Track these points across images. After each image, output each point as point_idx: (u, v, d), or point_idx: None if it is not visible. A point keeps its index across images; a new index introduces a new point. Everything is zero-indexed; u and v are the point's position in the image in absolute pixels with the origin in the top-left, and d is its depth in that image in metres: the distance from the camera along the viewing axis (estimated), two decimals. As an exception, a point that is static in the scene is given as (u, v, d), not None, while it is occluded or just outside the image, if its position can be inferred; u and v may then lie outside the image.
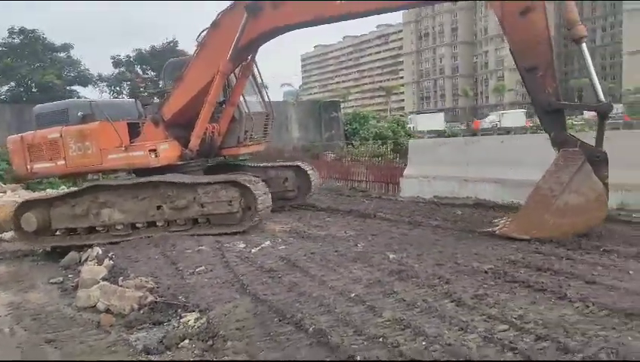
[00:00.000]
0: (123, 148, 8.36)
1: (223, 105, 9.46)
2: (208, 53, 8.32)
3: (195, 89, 8.42)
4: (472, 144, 12.98)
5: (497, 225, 7.00)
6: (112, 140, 8.39)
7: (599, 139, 6.31)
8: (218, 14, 8.30)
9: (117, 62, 33.67)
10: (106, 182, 8.96)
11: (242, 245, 6.87)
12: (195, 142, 8.48)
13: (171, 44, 33.00)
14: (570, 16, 6.16)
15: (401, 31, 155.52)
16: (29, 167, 9.01)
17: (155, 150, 8.30)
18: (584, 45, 6.22)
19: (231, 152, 9.76)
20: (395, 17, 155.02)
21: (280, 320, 4.12)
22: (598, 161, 6.04)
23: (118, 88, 33.12)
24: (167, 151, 8.45)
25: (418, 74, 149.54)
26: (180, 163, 8.64)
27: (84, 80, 33.48)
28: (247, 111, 9.48)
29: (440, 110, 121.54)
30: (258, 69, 10.00)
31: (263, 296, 4.71)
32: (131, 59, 33.50)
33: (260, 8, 7.76)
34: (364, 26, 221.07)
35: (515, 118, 53.22)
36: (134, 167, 8.70)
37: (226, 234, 7.61)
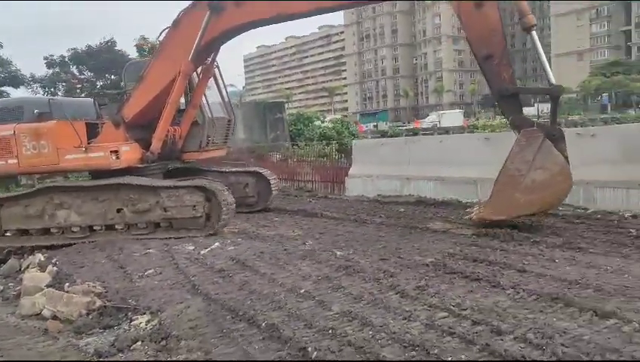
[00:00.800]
0: (83, 149, 8.09)
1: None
2: (169, 53, 8.19)
3: (156, 89, 8.26)
4: (412, 144, 13.46)
5: (472, 213, 7.24)
6: (70, 140, 8.11)
7: (553, 118, 6.81)
8: (179, 13, 8.14)
9: (51, 63, 32.14)
10: (64, 183, 8.66)
11: (191, 247, 6.89)
12: (156, 144, 8.28)
13: (109, 44, 31.82)
14: (521, 7, 6.52)
15: (342, 32, 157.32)
16: None
17: (116, 151, 8.07)
18: (534, 33, 6.55)
19: (192, 157, 9.62)
20: (337, 19, 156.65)
21: (233, 318, 4.23)
22: (555, 138, 6.38)
23: (52, 89, 31.61)
24: (129, 153, 8.21)
25: (360, 75, 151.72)
26: (140, 165, 8.42)
27: (16, 80, 31.83)
28: (210, 116, 9.36)
29: (383, 110, 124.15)
30: (220, 72, 9.90)
31: (214, 296, 4.79)
32: (66, 60, 32.05)
33: (223, 7, 7.68)
34: (307, 27, 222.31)
35: (454, 118, 55.14)
36: (93, 168, 8.44)
37: (181, 237, 7.55)
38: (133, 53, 33.07)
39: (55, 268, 6.38)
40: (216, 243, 6.92)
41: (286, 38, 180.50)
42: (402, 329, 3.65)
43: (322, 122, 36.38)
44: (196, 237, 7.52)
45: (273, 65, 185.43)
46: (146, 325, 4.54)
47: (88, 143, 8.21)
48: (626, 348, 3.12)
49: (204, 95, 9.51)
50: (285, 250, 6.40)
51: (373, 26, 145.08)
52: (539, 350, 3.17)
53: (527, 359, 3.04)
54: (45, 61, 32.43)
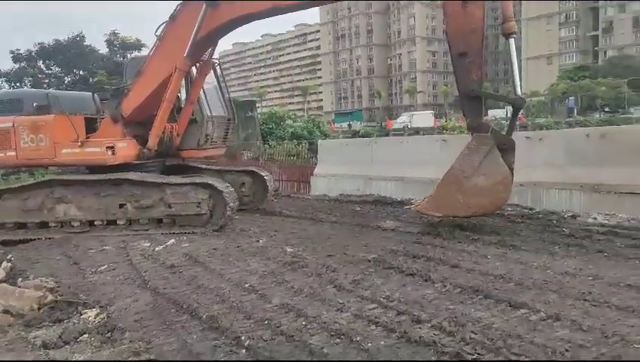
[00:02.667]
0: (79, 144, 8.09)
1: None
2: (166, 48, 8.17)
3: (154, 84, 8.24)
4: (375, 144, 13.81)
5: (416, 204, 7.50)
6: (67, 134, 8.12)
7: (510, 128, 6.99)
8: (176, 7, 8.15)
9: (17, 57, 31.63)
10: (65, 176, 8.61)
11: (147, 244, 7.05)
12: (153, 140, 8.26)
13: (77, 39, 31.52)
14: (506, 12, 6.62)
15: (318, 31, 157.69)
16: None
17: (112, 147, 8.08)
18: (512, 41, 6.72)
19: (190, 155, 9.60)
20: (313, 17, 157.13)
21: (177, 311, 4.44)
22: (505, 148, 6.57)
23: (18, 84, 31.15)
24: (126, 149, 8.22)
25: (336, 74, 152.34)
26: (137, 162, 8.43)
27: (-21, 74, 31.31)
28: (209, 114, 9.33)
29: (358, 110, 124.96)
30: (221, 69, 9.92)
31: (162, 290, 4.99)
32: (33, 54, 31.62)
33: (219, 1, 7.66)
34: (283, 25, 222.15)
35: (425, 119, 55.97)
36: (89, 164, 8.43)
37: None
38: (103, 49, 32.86)
39: (9, 264, 6.46)
40: (172, 240, 7.09)
41: (262, 36, 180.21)
42: (333, 319, 3.92)
43: (294, 121, 36.60)
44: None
45: (249, 63, 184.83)
46: (95, 318, 4.69)
47: (87, 138, 8.22)
48: (528, 335, 3.44)
49: (204, 92, 9.46)
50: (238, 246, 6.62)
51: (349, 25, 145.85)
52: (450, 336, 3.47)
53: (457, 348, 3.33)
54: (11, 55, 31.92)
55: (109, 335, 4.22)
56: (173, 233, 7.60)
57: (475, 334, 3.48)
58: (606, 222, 7.33)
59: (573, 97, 71.66)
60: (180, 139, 9.21)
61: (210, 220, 7.79)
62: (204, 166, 10.29)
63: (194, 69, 8.99)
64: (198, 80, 9.17)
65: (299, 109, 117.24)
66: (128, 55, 33.31)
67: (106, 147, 8.08)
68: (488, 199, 6.59)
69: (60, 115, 8.20)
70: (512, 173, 6.62)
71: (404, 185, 11.58)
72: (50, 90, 9.05)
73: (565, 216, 7.83)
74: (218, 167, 10.44)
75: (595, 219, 7.67)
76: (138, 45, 33.37)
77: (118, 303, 4.83)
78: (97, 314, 4.76)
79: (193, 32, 7.81)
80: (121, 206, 7.89)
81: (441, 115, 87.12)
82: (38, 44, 31.15)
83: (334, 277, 4.99)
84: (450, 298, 4.29)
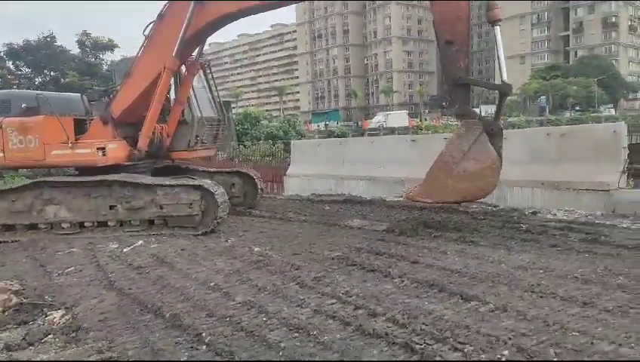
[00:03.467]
0: (69, 145, 8.04)
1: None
2: (155, 47, 8.13)
3: (143, 85, 8.20)
4: (346, 144, 14.02)
5: (408, 191, 7.52)
6: (57, 135, 8.07)
7: (497, 114, 7.03)
8: (164, 5, 8.10)
9: (-16, 58, 31.08)
10: (55, 178, 8.52)
11: (115, 245, 7.08)
12: (143, 141, 8.21)
13: (48, 39, 31.01)
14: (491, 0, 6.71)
15: (295, 31, 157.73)
16: None
17: (103, 148, 8.04)
18: (498, 28, 6.81)
19: (181, 156, 9.59)
20: (290, 17, 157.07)
21: (141, 310, 4.51)
22: (493, 133, 6.62)
23: (-14, 85, 30.57)
24: (116, 150, 8.18)
25: (312, 74, 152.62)
26: (127, 163, 8.39)
27: (-53, 75, 30.54)
28: (199, 115, 9.30)
29: (335, 110, 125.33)
30: (210, 70, 9.92)
31: (128, 291, 5.05)
32: (2, 55, 31.03)
33: None
34: (259, 25, 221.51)
35: (400, 118, 56.52)
36: (79, 165, 8.38)
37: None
38: (74, 49, 32.41)
39: (-26, 268, 6.43)
40: (140, 241, 7.13)
41: (238, 36, 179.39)
42: (292, 315, 4.05)
43: (269, 121, 36.64)
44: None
45: (225, 63, 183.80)
46: (60, 319, 4.72)
47: (76, 139, 8.16)
48: (475, 325, 3.62)
49: (194, 93, 9.44)
50: (206, 246, 6.71)
51: (325, 25, 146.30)
52: (403, 328, 3.63)
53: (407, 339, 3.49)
54: (-21, 56, 31.27)
55: (73, 335, 4.26)
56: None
57: (426, 325, 3.65)
58: (564, 218, 7.64)
59: (544, 96, 73.20)
60: (170, 140, 9.22)
61: (202, 221, 7.74)
62: (194, 167, 10.30)
63: (183, 69, 8.98)
64: (186, 80, 9.17)
65: (276, 109, 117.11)
66: (100, 55, 33.10)
67: (97, 148, 8.06)
68: (477, 184, 6.64)
69: (49, 116, 8.17)
70: (501, 158, 6.69)
71: (374, 185, 11.79)
72: (39, 91, 8.89)
73: (526, 212, 8.12)
74: (209, 169, 10.44)
75: (555, 215, 7.98)
76: (110, 46, 33.04)
77: (83, 304, 4.87)
78: (62, 316, 4.79)
79: (182, 31, 7.79)
80: (111, 207, 7.86)
81: (417, 115, 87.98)
82: (6, 44, 30.63)
83: (297, 274, 5.12)
84: (406, 292, 4.46)
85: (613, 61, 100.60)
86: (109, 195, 7.86)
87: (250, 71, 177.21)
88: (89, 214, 7.91)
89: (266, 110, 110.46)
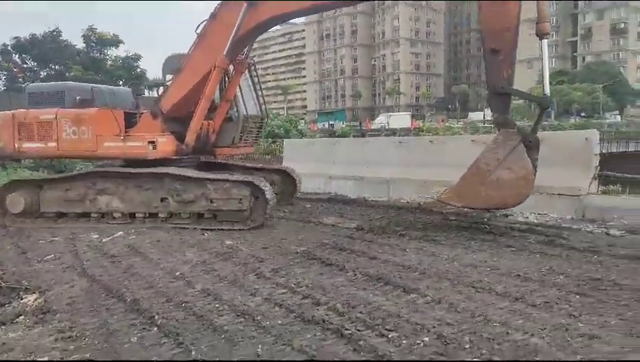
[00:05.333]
0: (121, 137, 8.33)
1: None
2: (206, 45, 8.33)
3: (193, 81, 8.41)
4: (338, 144, 14.30)
5: (441, 194, 7.48)
6: (109, 128, 8.35)
7: (536, 126, 7.06)
8: (217, 6, 8.31)
9: (-8, 51, 31.55)
10: (110, 169, 8.80)
11: (95, 236, 7.39)
12: (191, 136, 8.42)
13: (54, 34, 31.48)
14: (541, 12, 6.64)
15: (304, 30, 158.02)
16: (17, 145, 8.81)
17: (154, 142, 8.29)
18: (545, 42, 6.78)
19: (224, 152, 9.78)
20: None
21: (106, 295, 4.81)
22: (530, 144, 6.65)
23: (-7, 78, 31.10)
24: (165, 144, 8.40)
25: (320, 73, 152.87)
26: (174, 157, 8.60)
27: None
28: (245, 113, 9.52)
29: (341, 110, 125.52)
30: (256, 70, 10.17)
31: (98, 277, 5.35)
32: (9, 48, 31.51)
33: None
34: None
35: (402, 120, 56.75)
36: (130, 157, 8.63)
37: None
38: (79, 44, 32.87)
39: (-41, 253, 6.75)
40: (120, 232, 7.43)
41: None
42: (243, 302, 4.34)
43: (271, 120, 36.93)
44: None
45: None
46: (33, 302, 5.02)
47: (126, 132, 8.46)
48: (408, 315, 3.89)
49: (241, 91, 9.67)
50: (181, 239, 6.99)
51: (334, 25, 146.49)
52: (340, 316, 3.91)
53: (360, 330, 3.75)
54: (-14, 49, 31.79)
55: (42, 316, 4.55)
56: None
57: (362, 314, 3.92)
58: (534, 221, 7.85)
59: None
60: (215, 137, 9.45)
61: (250, 216, 7.82)
62: (236, 164, 10.47)
63: (231, 67, 9.16)
64: (234, 78, 9.38)
65: (282, 108, 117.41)
66: (105, 51, 33.57)
67: (148, 141, 8.32)
68: (510, 193, 6.66)
69: (103, 108, 8.49)
70: (535, 171, 6.72)
71: (362, 185, 12.03)
72: (93, 84, 9.11)
73: (498, 214, 8.33)
74: (248, 165, 10.61)
75: (527, 218, 8.18)
76: (115, 41, 33.51)
77: (56, 289, 5.17)
78: (36, 299, 5.10)
79: (233, 30, 7.99)
80: (162, 200, 8.07)
81: (422, 117, 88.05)
82: (14, 38, 31.12)
83: (259, 266, 5.41)
84: (355, 285, 4.73)
85: (621, 68, 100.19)
86: (161, 188, 8.07)
87: (259, 68, 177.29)
88: (140, 205, 8.17)
89: (273, 108, 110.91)
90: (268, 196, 7.67)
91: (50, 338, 3.96)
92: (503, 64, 6.70)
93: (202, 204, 7.90)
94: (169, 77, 9.22)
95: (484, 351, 3.24)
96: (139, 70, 33.05)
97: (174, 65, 9.18)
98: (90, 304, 4.63)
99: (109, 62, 32.95)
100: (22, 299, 5.20)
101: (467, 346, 3.31)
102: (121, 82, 30.26)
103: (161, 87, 9.45)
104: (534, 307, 4.00)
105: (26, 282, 5.53)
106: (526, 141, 6.66)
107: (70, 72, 28.80)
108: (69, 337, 3.94)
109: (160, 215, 8.10)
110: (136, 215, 8.22)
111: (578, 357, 3.12)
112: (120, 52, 33.98)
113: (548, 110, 6.95)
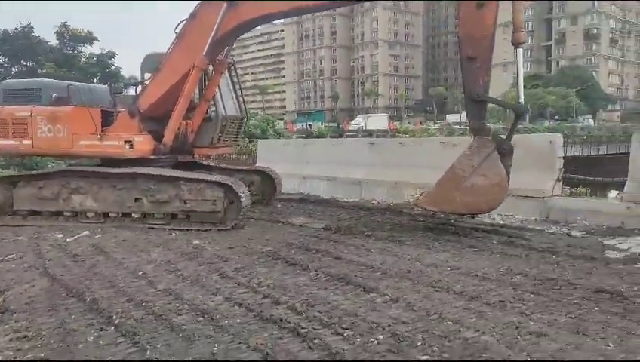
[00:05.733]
0: (97, 136, 8.19)
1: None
2: (185, 45, 8.24)
3: (171, 81, 8.33)
4: (310, 145, 14.37)
5: (416, 197, 7.74)
6: (85, 126, 8.20)
7: (510, 133, 7.11)
8: (197, 5, 8.23)
9: (-39, 47, 30.80)
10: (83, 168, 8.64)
11: (60, 235, 7.29)
12: (169, 136, 8.32)
13: (25, 30, 30.86)
14: (516, 21, 6.71)
15: (283, 30, 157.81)
16: None
17: (130, 142, 8.18)
18: (520, 50, 6.90)
19: (202, 152, 9.68)
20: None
21: (66, 295, 4.75)
22: (504, 151, 6.77)
23: (-38, 74, 30.27)
24: (142, 143, 8.30)
25: (299, 74, 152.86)
26: (152, 157, 8.49)
27: None
28: (223, 113, 9.42)
29: (319, 110, 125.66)
30: (236, 70, 10.09)
31: (59, 277, 5.28)
32: (-21, 43, 30.84)
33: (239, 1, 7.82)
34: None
35: (379, 121, 57.13)
36: (106, 156, 8.50)
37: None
38: (52, 40, 32.29)
39: None
40: (86, 232, 7.35)
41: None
42: (204, 301, 4.34)
43: (249, 120, 36.84)
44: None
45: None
46: (-8, 302, 4.96)
47: (102, 131, 8.33)
48: (365, 314, 3.95)
49: (220, 91, 9.56)
50: (147, 238, 6.95)
51: (313, 26, 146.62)
52: (298, 315, 3.95)
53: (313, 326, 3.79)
54: (-45, 45, 31.00)
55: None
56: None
57: (320, 313, 3.97)
58: (499, 222, 8.02)
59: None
60: (194, 136, 9.36)
61: (224, 217, 7.73)
62: (214, 164, 10.39)
63: (210, 67, 9.09)
64: (214, 78, 9.29)
65: (260, 108, 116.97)
66: (79, 48, 33.03)
67: (125, 141, 8.22)
68: (484, 199, 6.79)
69: (79, 106, 8.34)
70: (509, 177, 6.86)
71: (334, 185, 12.12)
72: (70, 82, 8.91)
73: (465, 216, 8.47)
74: (227, 166, 10.53)
75: (494, 219, 8.35)
76: (90, 38, 32.99)
77: (15, 289, 5.08)
78: (-5, 299, 5.03)
79: (213, 31, 7.93)
80: (136, 200, 7.97)
81: (397, 118, 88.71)
82: (-16, 33, 30.42)
83: (222, 266, 5.41)
84: (317, 284, 4.77)
85: (594, 72, 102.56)
86: (134, 187, 7.97)
87: (237, 68, 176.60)
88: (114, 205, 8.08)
89: (251, 108, 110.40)
90: (243, 199, 7.60)
91: (5, 338, 3.90)
92: (480, 71, 6.79)
93: (176, 205, 7.83)
94: (147, 75, 9.17)
95: (435, 349, 3.31)
96: (113, 67, 32.64)
97: (153, 64, 9.10)
98: (49, 303, 4.58)
99: (83, 60, 32.45)
100: (-20, 299, 5.13)
101: (419, 344, 3.38)
102: (95, 80, 29.81)
103: (139, 86, 9.38)
104: (489, 306, 4.10)
105: (-15, 282, 5.44)
106: (500, 148, 6.78)
107: (43, 69, 28.31)
108: (25, 337, 3.88)
109: (134, 215, 8.03)
110: (110, 214, 8.14)
111: (524, 354, 3.21)
112: (94, 49, 33.55)
113: (523, 117, 6.98)
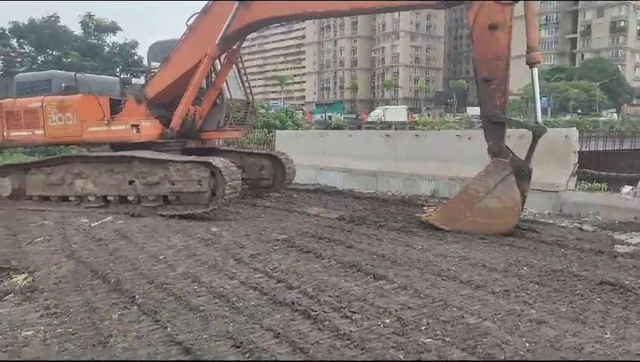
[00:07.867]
0: (105, 122, 8.54)
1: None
2: (196, 37, 8.51)
3: (180, 70, 8.61)
4: (326, 136, 14.51)
5: (425, 213, 7.67)
6: (94, 113, 8.57)
7: (529, 155, 6.87)
8: (210, 0, 8.48)
9: (-11, 35, 31.54)
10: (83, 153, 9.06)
11: (85, 220, 7.62)
12: (176, 121, 8.65)
13: (52, 19, 31.48)
14: (531, 41, 6.69)
15: (303, 20, 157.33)
16: (5, 134, 9.10)
17: (137, 125, 8.49)
18: (535, 70, 6.78)
19: (209, 136, 9.97)
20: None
21: (92, 276, 5.04)
22: (523, 174, 6.71)
23: (-11, 62, 31.11)
24: (149, 128, 8.63)
25: (319, 64, 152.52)
26: (159, 141, 8.79)
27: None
28: (229, 97, 9.70)
29: (339, 101, 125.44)
30: (240, 57, 10.28)
31: (85, 259, 5.58)
32: (6, 32, 31.49)
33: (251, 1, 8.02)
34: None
35: (398, 113, 56.88)
36: (114, 141, 8.83)
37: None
38: (77, 30, 32.87)
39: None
40: (109, 217, 7.66)
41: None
42: (220, 285, 4.57)
43: (267, 110, 37.05)
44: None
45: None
46: (22, 281, 5.26)
47: (112, 118, 8.67)
48: (373, 299, 4.13)
49: (226, 79, 9.83)
50: (167, 225, 7.22)
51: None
52: (310, 299, 4.15)
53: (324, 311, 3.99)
54: (-17, 33, 31.74)
55: (29, 295, 4.79)
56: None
57: (330, 298, 4.16)
58: (512, 214, 8.07)
59: (545, 98, 73.18)
60: (202, 122, 9.65)
61: (212, 199, 7.82)
62: (224, 148, 10.68)
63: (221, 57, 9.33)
64: (224, 67, 9.53)
65: (280, 98, 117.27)
66: (103, 37, 33.57)
67: (131, 125, 8.53)
68: (495, 221, 6.69)
69: (87, 94, 8.68)
70: (524, 200, 6.85)
71: (350, 176, 12.29)
72: (78, 72, 9.28)
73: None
74: (239, 150, 10.78)
75: (507, 212, 8.41)
76: (113, 28, 33.51)
77: (44, 269, 5.40)
78: (25, 278, 5.33)
79: (224, 27, 8.17)
80: (130, 183, 8.24)
81: (417, 111, 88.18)
82: (12, 22, 31.11)
83: (238, 252, 5.65)
84: (328, 271, 4.96)
85: (619, 66, 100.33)
86: (129, 170, 8.24)
87: (259, 58, 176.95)
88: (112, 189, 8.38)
89: (272, 98, 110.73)
90: (225, 176, 7.59)
91: (36, 314, 4.19)
92: (496, 93, 6.75)
93: (166, 187, 7.99)
94: (154, 64, 9.45)
95: (438, 332, 3.48)
96: (136, 57, 33.13)
97: (159, 51, 9.43)
98: (76, 284, 4.86)
99: (107, 49, 33.03)
100: (11, 279, 5.44)
101: (424, 328, 3.55)
102: (117, 69, 30.33)
103: (146, 74, 9.66)
104: (493, 294, 4.25)
105: (15, 263, 5.76)
106: (519, 170, 6.72)
107: (67, 58, 28.91)
108: (54, 313, 4.16)
109: (129, 198, 8.25)
110: (109, 198, 8.41)
111: (523, 340, 3.36)
112: (118, 39, 34.09)
113: (539, 137, 6.92)
